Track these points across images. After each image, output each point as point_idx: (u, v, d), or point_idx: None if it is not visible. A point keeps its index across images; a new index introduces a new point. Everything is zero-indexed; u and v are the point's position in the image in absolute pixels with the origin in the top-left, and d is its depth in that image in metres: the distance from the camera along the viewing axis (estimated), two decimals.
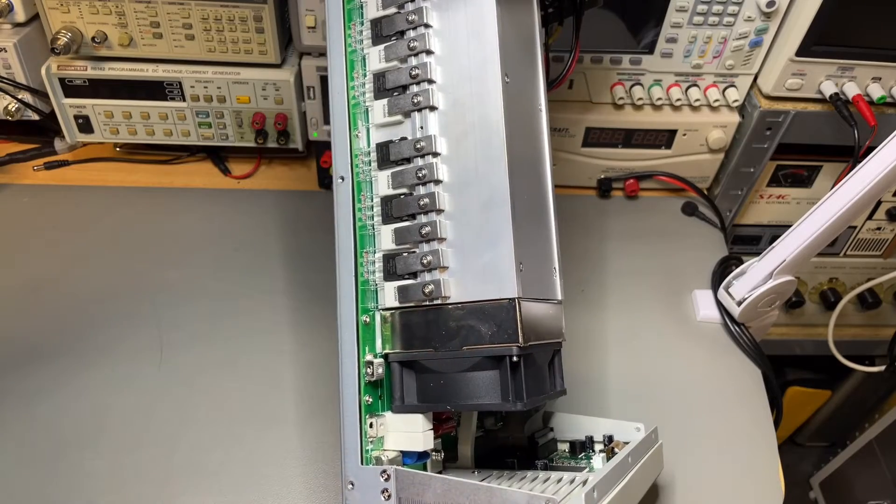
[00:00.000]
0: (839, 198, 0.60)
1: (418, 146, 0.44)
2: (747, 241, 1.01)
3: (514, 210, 0.41)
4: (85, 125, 0.82)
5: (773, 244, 0.66)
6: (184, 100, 0.80)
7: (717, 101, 0.81)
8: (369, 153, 0.46)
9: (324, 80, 0.78)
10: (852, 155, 0.76)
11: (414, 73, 0.44)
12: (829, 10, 0.71)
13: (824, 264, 1.06)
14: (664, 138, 0.85)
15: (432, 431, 0.44)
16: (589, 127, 0.84)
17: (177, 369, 0.67)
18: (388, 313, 0.44)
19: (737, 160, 0.86)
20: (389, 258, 0.44)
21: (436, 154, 0.43)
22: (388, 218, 0.44)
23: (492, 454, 0.53)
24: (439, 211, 0.43)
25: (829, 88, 0.78)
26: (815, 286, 1.09)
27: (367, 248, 0.45)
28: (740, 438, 0.65)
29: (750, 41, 0.77)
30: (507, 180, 0.41)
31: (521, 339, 0.40)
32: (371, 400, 0.44)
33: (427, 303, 0.43)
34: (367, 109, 0.46)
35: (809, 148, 0.87)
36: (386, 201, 0.45)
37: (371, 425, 0.43)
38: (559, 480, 0.45)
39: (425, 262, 0.43)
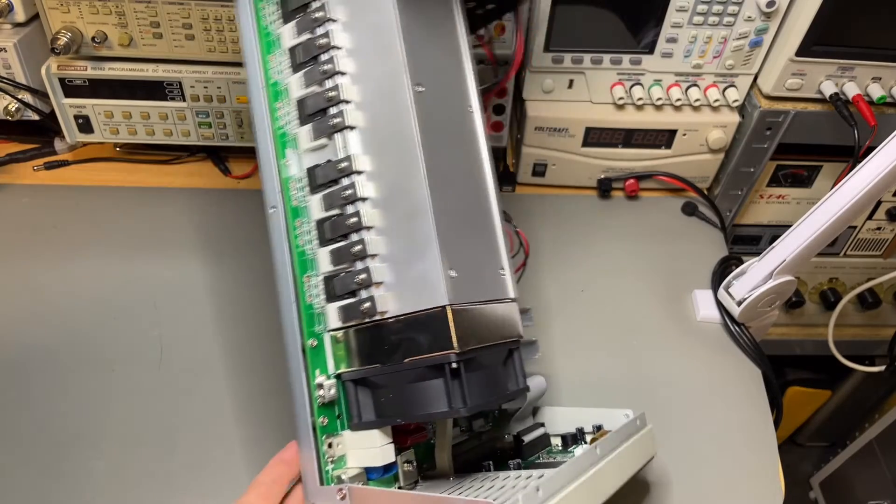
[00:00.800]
0: (839, 198, 0.60)
1: (341, 167, 0.44)
2: (747, 241, 1.01)
3: (439, 218, 0.41)
4: (85, 125, 0.82)
5: (773, 244, 0.66)
6: (184, 100, 0.80)
7: (717, 101, 0.81)
8: (301, 179, 0.46)
9: None
10: (852, 155, 0.76)
11: (330, 95, 0.45)
12: (829, 10, 0.71)
13: (824, 264, 1.06)
14: (664, 138, 0.85)
15: (391, 445, 0.44)
16: (589, 127, 0.84)
17: (177, 369, 0.67)
18: (339, 333, 0.45)
19: (737, 160, 0.86)
20: (329, 280, 0.44)
21: (358, 172, 0.44)
22: (323, 240, 0.45)
23: (483, 457, 0.53)
24: (368, 228, 0.43)
25: (829, 88, 0.78)
26: (815, 286, 1.09)
27: (309, 273, 0.45)
28: (740, 438, 0.65)
29: (750, 41, 0.77)
30: (426, 189, 0.41)
31: (455, 346, 0.40)
32: (327, 421, 0.44)
33: (367, 320, 0.43)
34: (294, 137, 0.47)
35: (809, 148, 0.87)
36: (320, 224, 0.45)
37: (330, 445, 0.43)
38: (528, 477, 0.45)
39: (360, 280, 0.43)
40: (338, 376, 0.44)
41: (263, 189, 0.46)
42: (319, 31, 0.45)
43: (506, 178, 0.90)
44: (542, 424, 0.56)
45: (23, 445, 0.60)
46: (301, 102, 0.46)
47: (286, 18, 0.47)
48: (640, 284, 0.79)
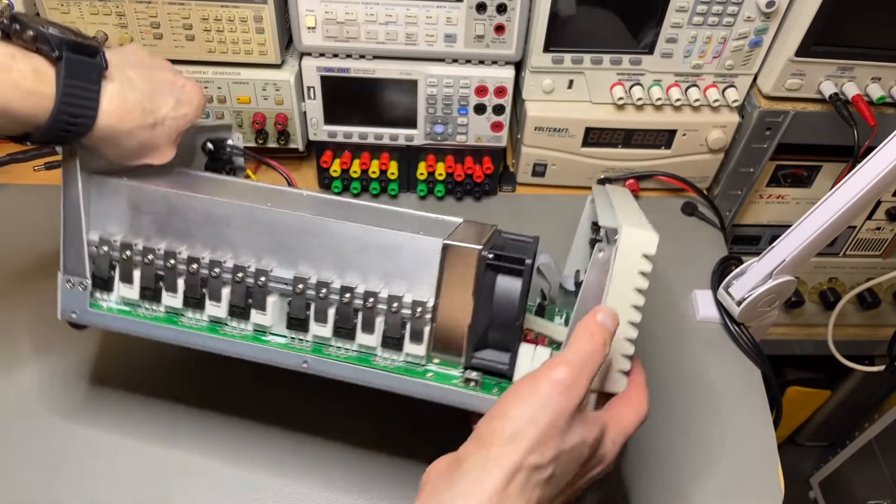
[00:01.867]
0: (839, 198, 0.60)
1: (298, 289, 0.50)
2: (747, 241, 1.01)
3: (379, 225, 0.50)
4: None
5: (773, 244, 0.66)
6: None
7: (716, 101, 0.81)
8: (292, 335, 0.52)
9: (324, 80, 0.78)
10: (852, 155, 0.76)
11: (236, 278, 0.51)
12: (828, 10, 0.71)
13: (824, 264, 1.06)
14: (664, 138, 0.85)
15: (537, 347, 0.50)
16: (589, 127, 0.84)
17: (178, 368, 0.67)
18: (432, 352, 0.50)
19: (736, 160, 0.86)
20: (385, 339, 0.50)
21: (307, 278, 0.50)
22: (351, 333, 0.50)
23: None
24: (353, 287, 0.50)
25: (828, 88, 0.78)
26: (814, 286, 1.09)
27: (372, 357, 0.51)
28: (740, 438, 0.65)
29: (750, 41, 0.77)
30: (349, 225, 0.50)
31: (477, 247, 0.48)
32: (497, 388, 0.49)
33: (430, 318, 0.49)
34: (258, 326, 0.52)
35: (809, 148, 0.87)
36: (337, 330, 0.51)
37: None
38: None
39: (394, 308, 0.49)
40: (465, 368, 0.50)
41: (285, 365, 0.51)
42: (181, 267, 0.52)
43: (506, 178, 0.91)
44: (578, 270, 0.64)
45: (23, 445, 0.60)
46: (233, 309, 0.52)
47: (147, 295, 0.53)
48: None
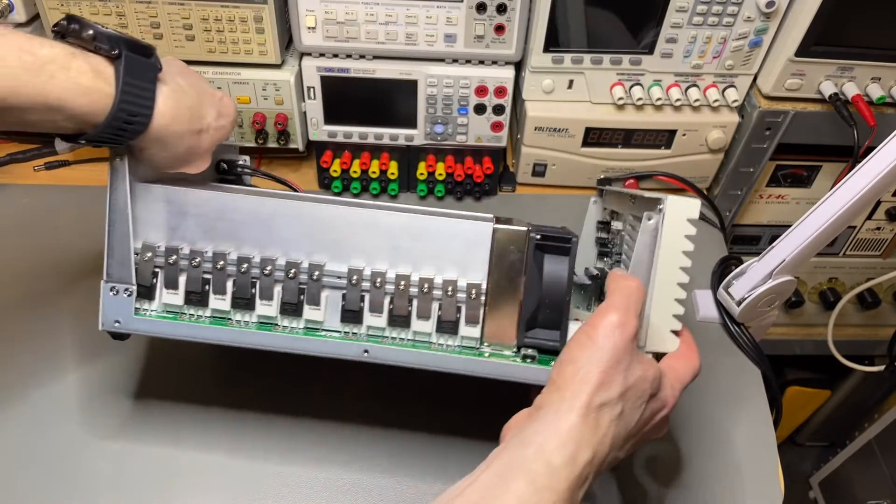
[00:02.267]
0: (839, 198, 0.60)
1: (354, 281, 0.51)
2: (747, 241, 1.01)
3: (422, 212, 0.52)
4: None
5: (773, 244, 0.66)
6: None
7: (716, 101, 0.81)
8: (346, 329, 0.52)
9: (324, 80, 0.78)
10: (852, 155, 0.76)
11: (290, 274, 0.51)
12: (828, 10, 0.71)
13: (824, 264, 1.06)
14: (664, 138, 0.85)
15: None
16: (589, 127, 0.84)
17: (178, 368, 0.67)
18: (485, 334, 0.52)
19: (736, 160, 0.86)
20: (441, 323, 0.51)
21: (358, 269, 0.51)
22: (406, 320, 0.51)
23: None
24: (408, 275, 0.51)
25: (828, 88, 0.78)
26: (814, 286, 1.09)
27: (434, 343, 0.52)
28: (740, 438, 0.65)
29: (749, 41, 0.77)
30: (403, 215, 0.51)
31: (526, 227, 0.50)
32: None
33: (483, 301, 0.51)
34: (307, 323, 0.53)
35: (809, 148, 0.87)
36: (392, 319, 0.51)
37: None
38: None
39: (449, 293, 0.51)
40: (516, 349, 0.51)
41: (345, 356, 0.52)
42: (231, 268, 0.51)
43: (506, 178, 0.91)
44: (587, 267, 0.67)
45: (24, 445, 0.60)
46: (284, 306, 0.52)
47: (193, 300, 0.53)
48: None
